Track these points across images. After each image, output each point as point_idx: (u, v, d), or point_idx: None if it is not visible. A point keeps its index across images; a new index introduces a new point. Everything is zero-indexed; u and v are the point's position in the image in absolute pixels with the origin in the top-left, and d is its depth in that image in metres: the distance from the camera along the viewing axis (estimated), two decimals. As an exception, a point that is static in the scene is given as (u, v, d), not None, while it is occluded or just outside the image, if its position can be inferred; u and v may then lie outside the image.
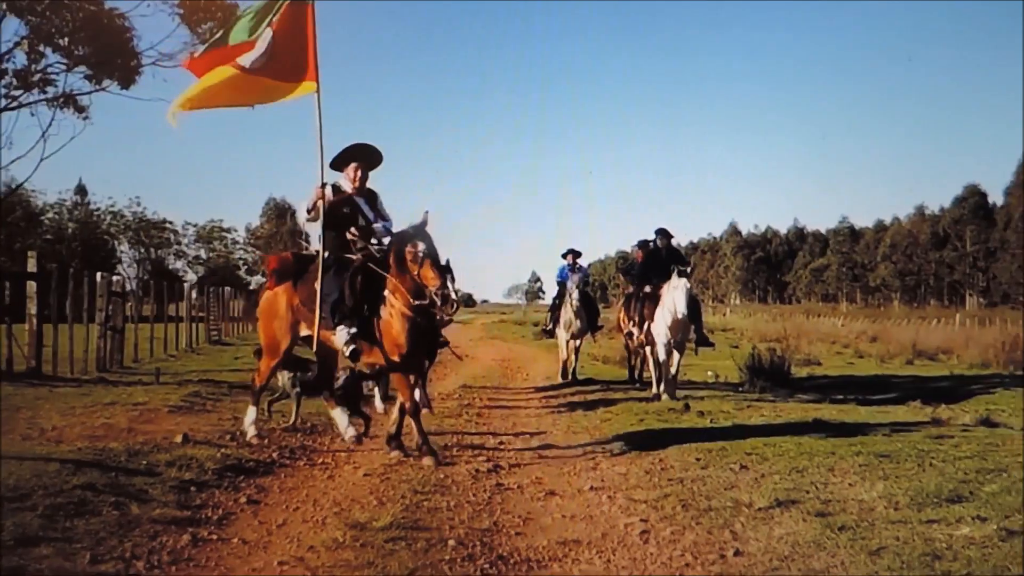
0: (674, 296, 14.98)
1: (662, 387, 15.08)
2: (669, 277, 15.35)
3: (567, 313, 18.47)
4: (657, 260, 16.45)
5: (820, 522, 6.23)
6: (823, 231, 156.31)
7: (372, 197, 10.07)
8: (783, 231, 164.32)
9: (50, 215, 68.22)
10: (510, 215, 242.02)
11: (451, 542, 5.98)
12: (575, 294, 18.38)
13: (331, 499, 7.29)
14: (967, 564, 5.22)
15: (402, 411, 9.32)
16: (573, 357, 18.84)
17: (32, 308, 15.47)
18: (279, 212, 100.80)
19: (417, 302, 8.88)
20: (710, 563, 5.60)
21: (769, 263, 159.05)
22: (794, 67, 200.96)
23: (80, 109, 17.67)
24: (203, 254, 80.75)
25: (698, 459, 8.84)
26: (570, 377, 18.33)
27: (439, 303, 8.74)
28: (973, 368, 24.90)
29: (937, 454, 8.63)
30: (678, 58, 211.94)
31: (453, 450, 9.69)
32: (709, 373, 19.70)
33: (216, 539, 6.02)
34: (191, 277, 71.06)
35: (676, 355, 15.41)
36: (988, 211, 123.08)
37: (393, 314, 9.07)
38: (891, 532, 5.95)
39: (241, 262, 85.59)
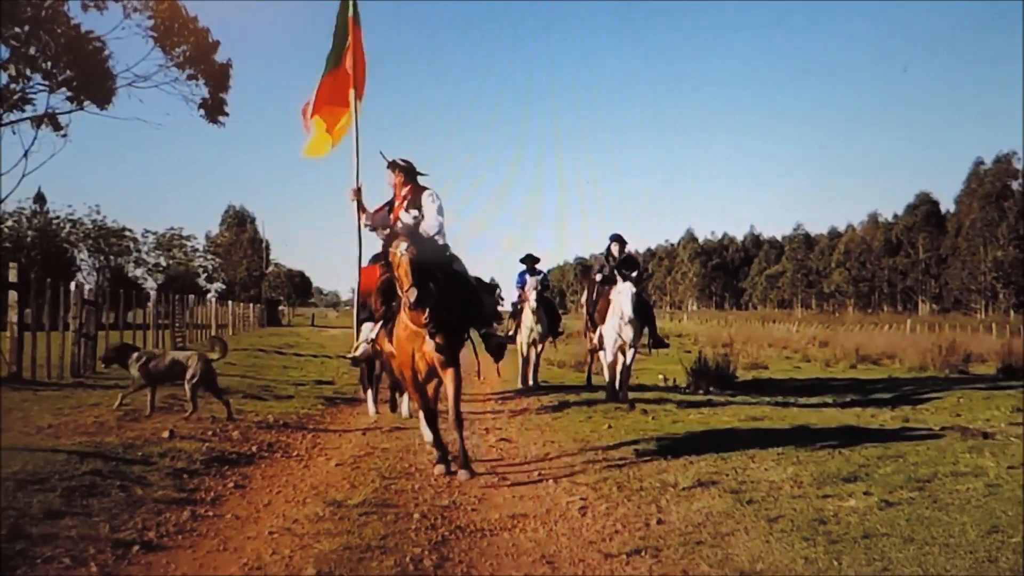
0: (620, 300, 15.21)
1: (616, 388, 15.40)
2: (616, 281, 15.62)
3: (527, 319, 18.58)
4: (621, 265, 16.51)
5: (732, 498, 7.29)
6: (779, 238, 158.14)
7: (416, 199, 9.75)
8: (739, 238, 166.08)
9: (9, 223, 68.24)
10: (468, 221, 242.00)
11: (416, 515, 6.96)
12: (533, 298, 18.47)
13: (308, 484, 8.25)
14: (846, 528, 6.30)
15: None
16: (533, 363, 18.87)
17: (13, 317, 16.21)
18: (239, 220, 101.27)
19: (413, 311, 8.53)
20: (636, 530, 6.60)
21: (726, 269, 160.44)
22: (751, 79, 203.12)
23: (58, 127, 18.48)
24: (163, 262, 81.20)
25: (636, 450, 9.86)
26: (531, 383, 18.46)
27: (408, 306, 8.37)
28: (912, 371, 25.99)
29: (850, 445, 9.72)
30: (635, 66, 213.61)
31: (416, 442, 10.62)
32: (660, 376, 20.38)
33: (212, 515, 6.98)
34: (151, 284, 71.45)
35: (625, 357, 15.63)
36: (940, 219, 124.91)
37: (398, 322, 8.95)
38: (790, 505, 7.02)
39: (201, 269, 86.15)
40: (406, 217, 9.54)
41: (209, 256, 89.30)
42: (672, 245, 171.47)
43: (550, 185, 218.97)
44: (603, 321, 15.94)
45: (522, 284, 19.23)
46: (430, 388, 9.63)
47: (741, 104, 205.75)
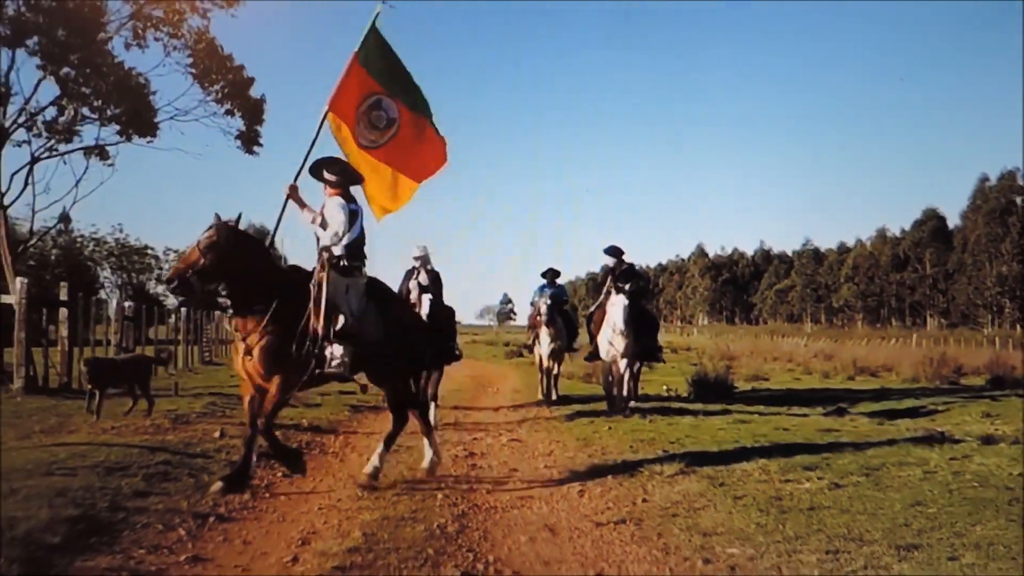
0: (612, 312, 15.60)
1: (614, 398, 15.72)
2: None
3: (543, 334, 18.61)
4: (615, 278, 16.57)
5: (708, 482, 8.68)
6: (789, 253, 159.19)
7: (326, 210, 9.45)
8: (750, 253, 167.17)
9: (34, 242, 69.36)
10: (482, 237, 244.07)
11: (439, 496, 8.29)
12: (544, 310, 18.49)
13: (345, 473, 9.58)
14: (796, 503, 7.68)
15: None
16: (551, 376, 18.83)
17: (64, 331, 17.61)
18: (258, 237, 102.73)
19: None
20: (624, 507, 7.91)
21: (736, 284, 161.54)
22: (759, 95, 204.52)
23: (106, 157, 19.90)
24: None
25: (631, 447, 11.21)
26: (552, 397, 18.38)
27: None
28: (905, 383, 27.20)
29: (816, 440, 11.13)
30: (645, 83, 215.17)
31: (436, 438, 11.93)
32: (664, 387, 21.57)
33: (268, 496, 8.32)
34: (171, 301, 72.53)
35: (619, 367, 15.77)
36: (947, 234, 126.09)
37: None
38: (755, 487, 8.40)
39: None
40: (317, 222, 9.30)
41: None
42: (683, 260, 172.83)
43: (564, 201, 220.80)
44: (599, 332, 16.21)
45: (543, 296, 19.39)
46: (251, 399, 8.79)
47: (752, 121, 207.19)
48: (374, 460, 9.04)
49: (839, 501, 7.69)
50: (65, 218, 21.75)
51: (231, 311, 8.59)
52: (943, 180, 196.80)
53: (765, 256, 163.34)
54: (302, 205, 9.45)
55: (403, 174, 10.94)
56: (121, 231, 73.81)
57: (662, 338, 20.90)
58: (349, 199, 9.35)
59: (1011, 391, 21.72)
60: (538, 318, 18.84)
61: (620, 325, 15.42)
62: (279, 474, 9.45)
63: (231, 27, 20.34)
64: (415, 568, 5.90)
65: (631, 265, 17.23)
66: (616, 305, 15.61)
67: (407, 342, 9.41)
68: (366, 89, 10.67)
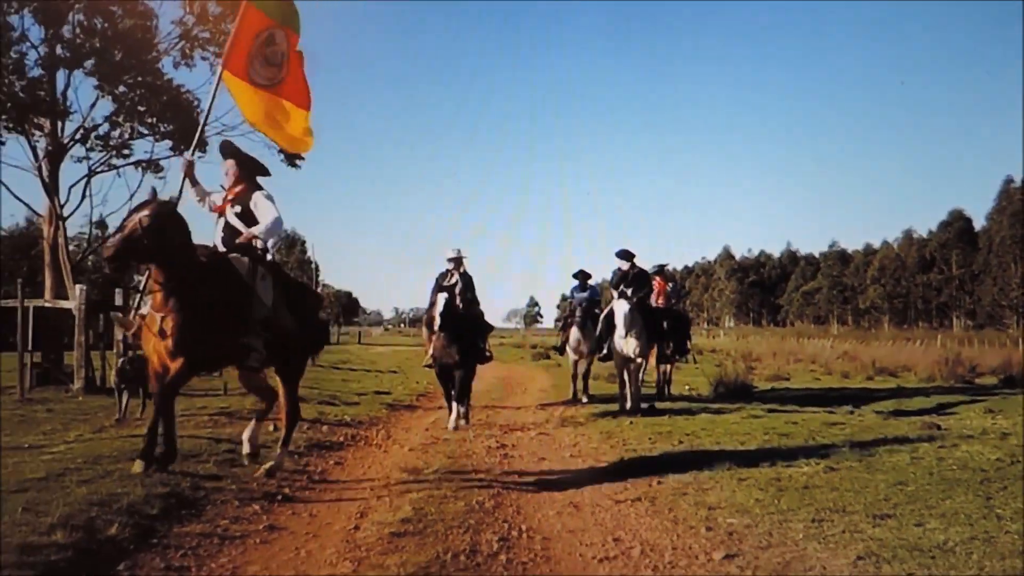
0: (617, 317, 15.98)
1: (629, 401, 16.03)
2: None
3: (574, 333, 18.90)
4: (623, 281, 16.89)
5: (733, 476, 9.64)
6: (816, 255, 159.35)
7: (245, 198, 9.19)
8: (776, 255, 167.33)
9: (70, 247, 70.80)
10: (509, 241, 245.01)
11: (476, 479, 9.33)
12: (578, 314, 18.69)
13: (391, 462, 10.62)
14: (793, 483, 8.66)
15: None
16: (581, 377, 19.29)
17: (119, 335, 18.69)
18: (289, 243, 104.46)
19: None
20: (640, 488, 8.90)
21: (763, 286, 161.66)
22: (786, 96, 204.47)
23: (159, 171, 21.09)
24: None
25: (650, 438, 12.20)
26: (582, 399, 18.77)
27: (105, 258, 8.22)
28: (921, 382, 28.05)
29: (820, 432, 12.12)
30: (672, 85, 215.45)
31: (470, 434, 12.99)
32: (686, 387, 22.50)
33: (324, 481, 9.38)
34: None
35: (631, 369, 16.19)
36: (973, 235, 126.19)
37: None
38: (759, 471, 9.38)
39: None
40: (229, 213, 9.09)
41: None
42: (709, 262, 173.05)
43: (591, 204, 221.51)
44: (611, 335, 16.50)
45: (574, 298, 19.73)
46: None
47: (779, 123, 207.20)
48: (250, 437, 9.42)
49: (831, 481, 8.71)
50: (102, 225, 22.70)
51: (152, 290, 8.33)
52: (969, 181, 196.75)
53: (792, 258, 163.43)
54: (195, 182, 9.45)
55: (299, 106, 10.68)
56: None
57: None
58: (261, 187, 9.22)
59: (1021, 390, 22.54)
60: (573, 320, 19.07)
61: (622, 331, 15.88)
62: (332, 462, 10.51)
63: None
64: (459, 535, 6.90)
65: (642, 270, 17.53)
66: (618, 312, 16.01)
67: (310, 327, 9.64)
68: (258, 26, 10.28)
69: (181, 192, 9.58)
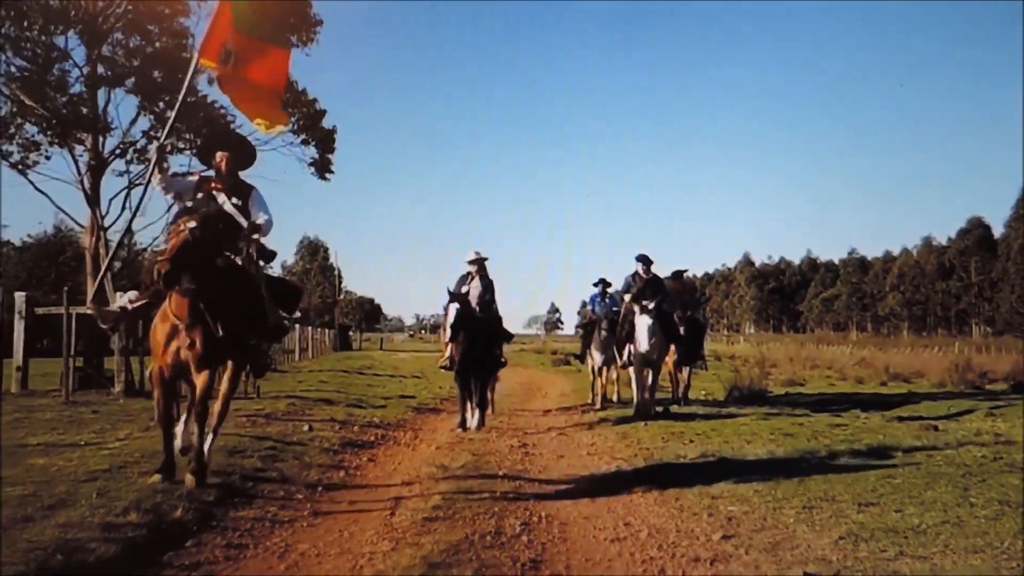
0: (637, 331, 16.17)
1: (644, 406, 16.19)
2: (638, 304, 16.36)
3: (597, 341, 19.10)
4: (638, 288, 16.96)
5: (722, 463, 10.39)
6: (836, 261, 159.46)
7: (241, 192, 9.15)
8: (796, 261, 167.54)
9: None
10: (530, 248, 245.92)
11: (500, 474, 10.09)
12: (604, 323, 18.70)
13: (419, 459, 11.41)
14: (789, 474, 9.39)
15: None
16: (602, 384, 19.52)
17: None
18: (312, 250, 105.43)
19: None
20: (652, 485, 9.62)
21: (782, 293, 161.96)
22: (806, 105, 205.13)
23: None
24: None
25: (663, 438, 12.97)
26: (597, 403, 19.07)
27: (161, 281, 7.92)
28: (933, 387, 28.68)
29: (823, 432, 12.88)
30: (693, 93, 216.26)
31: (493, 434, 13.77)
32: (703, 392, 23.20)
33: (359, 474, 10.20)
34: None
35: (648, 375, 16.57)
36: (992, 242, 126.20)
37: (160, 313, 8.42)
38: (759, 463, 10.13)
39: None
40: (224, 201, 8.94)
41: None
42: (729, 269, 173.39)
43: (610, 211, 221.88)
44: (631, 340, 16.73)
45: (594, 305, 20.25)
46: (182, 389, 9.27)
47: (799, 131, 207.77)
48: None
49: (825, 474, 9.47)
50: (128, 231, 23.41)
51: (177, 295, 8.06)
52: (989, 188, 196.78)
53: (812, 264, 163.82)
54: (162, 169, 9.11)
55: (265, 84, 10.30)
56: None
57: (708, 347, 21.99)
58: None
59: (1026, 395, 23.14)
60: (596, 328, 19.27)
61: (644, 345, 16.04)
62: (365, 459, 11.31)
63: (306, 64, 22.20)
64: (485, 520, 7.65)
65: (656, 276, 17.60)
66: (640, 326, 16.13)
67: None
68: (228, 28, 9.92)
69: (150, 178, 9.23)
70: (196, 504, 7.56)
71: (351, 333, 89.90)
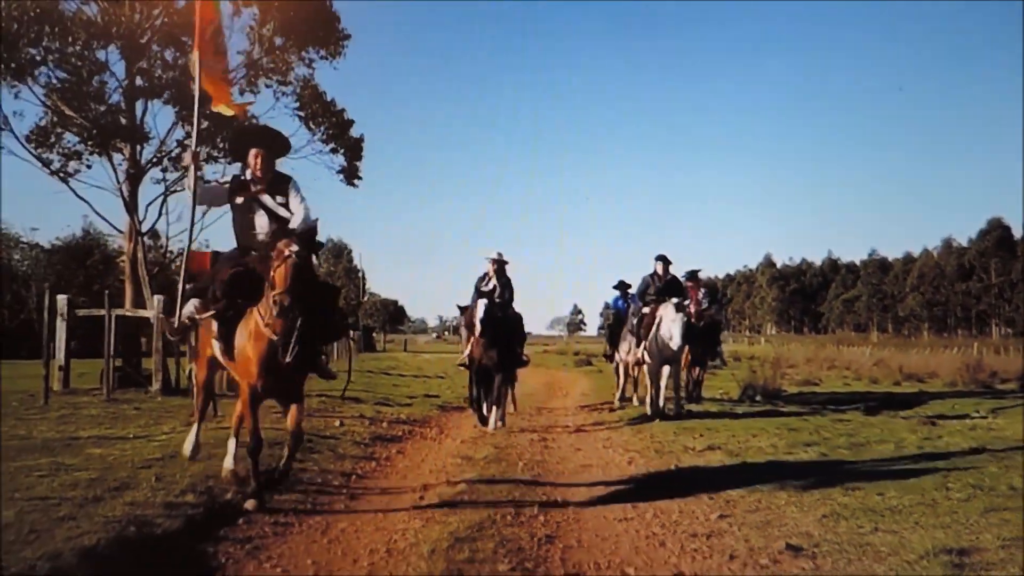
0: (670, 328, 16.09)
1: (660, 404, 16.42)
2: (664, 302, 16.58)
3: (623, 344, 19.23)
4: (656, 287, 17.30)
5: (726, 454, 11.17)
6: (857, 263, 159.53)
7: (281, 187, 8.70)
8: (818, 263, 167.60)
9: (123, 258, 72.58)
10: (553, 251, 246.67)
11: (520, 464, 10.86)
12: (631, 324, 18.36)
13: (445, 451, 12.20)
14: (787, 462, 10.15)
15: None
16: (632, 382, 20.16)
17: (192, 340, 20.42)
18: (336, 252, 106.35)
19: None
20: (661, 472, 10.41)
21: (804, 294, 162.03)
22: (828, 108, 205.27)
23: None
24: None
25: (675, 432, 13.73)
26: (617, 403, 19.57)
27: (274, 311, 7.51)
28: (945, 387, 29.21)
29: (825, 427, 13.62)
30: (715, 99, 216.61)
31: (515, 429, 14.56)
32: (720, 391, 23.71)
33: (389, 464, 10.99)
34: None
35: (665, 371, 16.61)
36: (1012, 243, 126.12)
37: (250, 329, 7.98)
38: (764, 459, 10.87)
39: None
40: (270, 202, 8.59)
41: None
42: (750, 270, 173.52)
43: (630, 213, 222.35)
44: (647, 338, 16.86)
45: (617, 307, 20.59)
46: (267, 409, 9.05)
47: (821, 133, 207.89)
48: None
49: (820, 463, 10.27)
50: (154, 234, 24.39)
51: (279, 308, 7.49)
52: (1009, 190, 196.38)
53: (833, 266, 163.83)
54: (197, 177, 8.90)
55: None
56: (207, 246, 77.06)
57: (729, 347, 22.30)
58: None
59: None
60: (625, 329, 19.20)
61: (678, 341, 16.03)
62: (394, 451, 12.11)
63: (334, 76, 23.04)
64: (506, 501, 8.44)
65: (675, 276, 17.85)
66: (676, 323, 16.07)
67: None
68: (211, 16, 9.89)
69: (195, 188, 8.84)
70: (244, 488, 8.37)
71: (375, 335, 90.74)
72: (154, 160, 21.84)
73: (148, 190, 23.44)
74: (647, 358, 16.95)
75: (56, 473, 8.61)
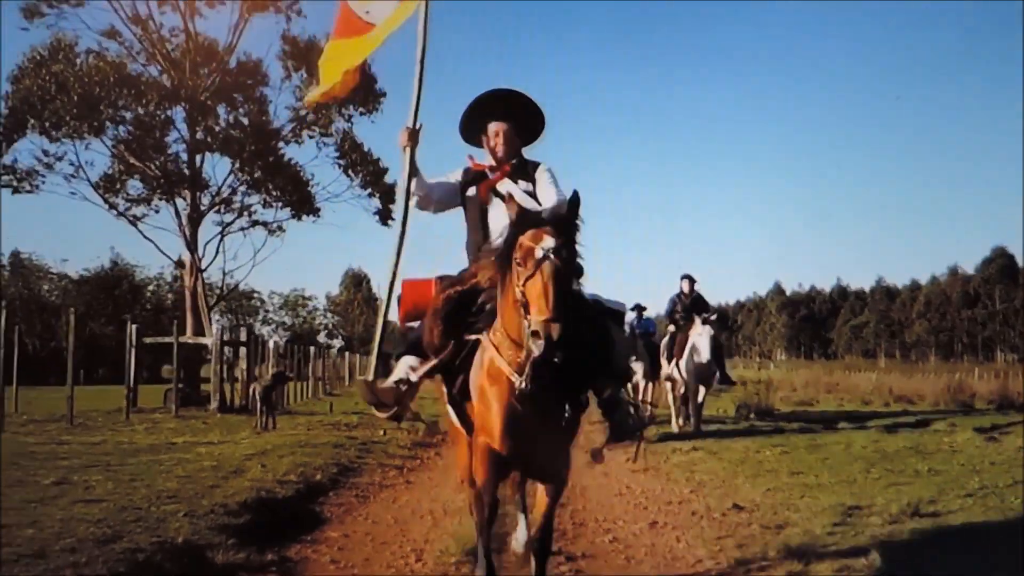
0: (698, 342, 16.73)
1: (681, 421, 17.66)
2: (693, 321, 17.16)
3: (637, 363, 18.55)
4: (684, 305, 17.94)
5: (708, 453, 13.62)
6: (865, 290, 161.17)
7: (526, 173, 6.13)
8: (827, 290, 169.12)
9: (151, 288, 75.26)
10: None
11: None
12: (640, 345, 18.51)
13: (475, 454, 14.68)
14: (763, 462, 12.62)
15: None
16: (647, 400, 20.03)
17: (243, 364, 23.04)
18: (356, 281, 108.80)
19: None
20: (652, 465, 12.85)
21: (813, 320, 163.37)
22: (836, 136, 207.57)
23: (276, 230, 25.98)
24: (287, 320, 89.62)
25: (666, 433, 16.16)
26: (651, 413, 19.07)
27: (535, 351, 4.42)
28: (928, 407, 31.28)
29: (798, 434, 16.07)
30: (723, 125, 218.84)
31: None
32: (718, 409, 25.65)
33: (431, 464, 13.52)
34: (277, 341, 78.24)
35: (701, 391, 17.39)
36: (1015, 271, 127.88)
37: (484, 367, 5.26)
38: (754, 459, 13.23)
39: (322, 328, 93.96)
40: (514, 189, 5.87)
41: (328, 315, 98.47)
42: (760, 297, 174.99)
43: (642, 238, 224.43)
44: (680, 356, 17.30)
45: (632, 329, 19.45)
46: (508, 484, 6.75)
47: (829, 162, 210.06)
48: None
49: (780, 459, 12.71)
50: (179, 264, 26.88)
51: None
52: (1013, 219, 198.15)
53: (842, 293, 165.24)
54: (413, 168, 6.18)
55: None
56: (231, 276, 79.53)
57: (739, 372, 23.13)
58: None
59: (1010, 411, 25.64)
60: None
61: (706, 354, 16.70)
62: (433, 453, 14.62)
63: (370, 128, 25.83)
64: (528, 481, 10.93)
65: (699, 294, 18.45)
66: (703, 336, 16.70)
67: None
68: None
69: (409, 180, 6.19)
70: (326, 473, 10.94)
71: (392, 362, 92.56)
72: (213, 205, 24.73)
73: (205, 230, 26.30)
74: (682, 376, 17.32)
75: (182, 464, 11.22)
